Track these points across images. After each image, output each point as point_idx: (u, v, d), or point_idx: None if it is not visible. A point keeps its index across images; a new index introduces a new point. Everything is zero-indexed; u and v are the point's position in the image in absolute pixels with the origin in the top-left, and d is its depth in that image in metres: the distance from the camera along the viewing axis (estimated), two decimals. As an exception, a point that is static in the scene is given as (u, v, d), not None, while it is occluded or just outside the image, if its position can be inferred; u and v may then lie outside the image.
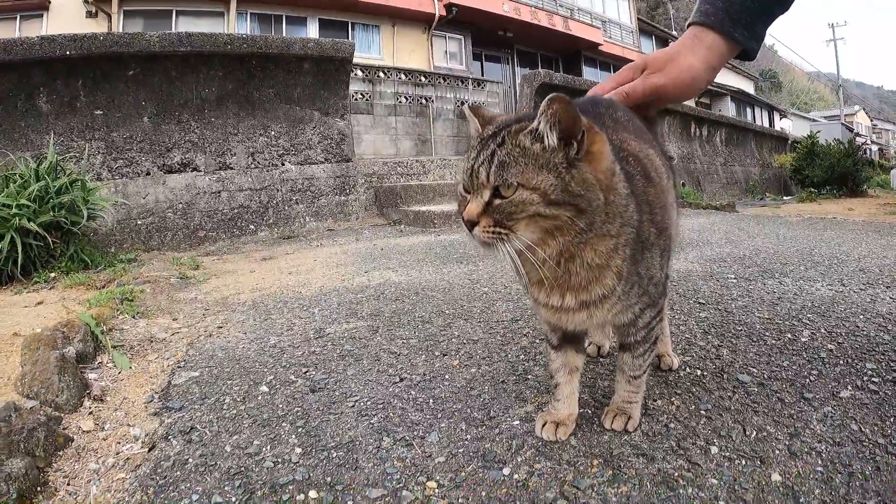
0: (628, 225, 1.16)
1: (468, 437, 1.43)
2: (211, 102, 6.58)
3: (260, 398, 1.68)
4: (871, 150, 39.39)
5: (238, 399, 1.68)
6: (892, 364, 1.78)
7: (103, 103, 5.98)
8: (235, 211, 6.48)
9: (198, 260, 4.67)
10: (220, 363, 2.01)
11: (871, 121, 71.70)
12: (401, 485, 1.22)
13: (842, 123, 38.60)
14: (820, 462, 1.25)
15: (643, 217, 1.20)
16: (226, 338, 2.34)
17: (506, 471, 1.27)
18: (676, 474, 1.23)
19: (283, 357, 2.05)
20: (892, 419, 1.42)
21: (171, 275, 3.95)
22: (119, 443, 1.45)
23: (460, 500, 1.16)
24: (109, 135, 5.99)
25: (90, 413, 1.65)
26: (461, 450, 1.36)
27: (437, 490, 1.20)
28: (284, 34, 17.41)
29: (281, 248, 5.38)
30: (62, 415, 1.59)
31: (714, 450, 1.32)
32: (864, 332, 2.11)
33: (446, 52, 21.69)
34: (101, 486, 1.26)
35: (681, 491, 1.18)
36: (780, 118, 41.09)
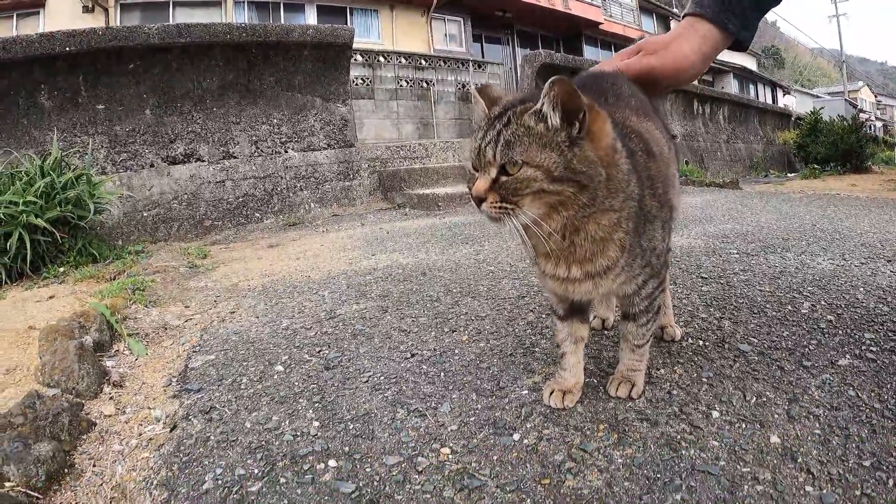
0: (630, 199, 1.20)
1: (479, 406, 1.48)
2: (212, 92, 6.59)
3: (276, 377, 1.72)
4: (875, 125, 39.20)
5: (255, 379, 1.72)
6: (890, 334, 1.82)
7: (105, 97, 6.00)
8: (240, 199, 6.51)
9: (205, 249, 4.72)
10: (234, 346, 2.06)
11: (875, 97, 71.19)
12: (416, 452, 1.27)
13: (845, 100, 38.42)
14: (818, 425, 1.30)
15: (644, 191, 1.23)
16: (238, 322, 2.38)
17: (516, 437, 1.32)
18: (679, 437, 1.28)
19: (296, 338, 2.09)
20: (889, 385, 1.47)
21: (179, 264, 3.99)
22: (141, 425, 1.50)
23: (473, 464, 1.21)
24: (112, 128, 6.02)
25: (111, 398, 1.69)
26: (472, 418, 1.41)
27: (450, 456, 1.25)
28: (283, 21, 17.35)
29: (287, 235, 5.42)
30: (83, 401, 1.63)
31: (715, 414, 1.37)
32: (864, 304, 2.15)
33: (446, 34, 21.62)
34: (127, 466, 1.30)
35: (683, 452, 1.23)
36: (784, 95, 40.93)
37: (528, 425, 1.36)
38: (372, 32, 19.95)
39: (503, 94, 1.25)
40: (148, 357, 2.03)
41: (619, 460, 1.21)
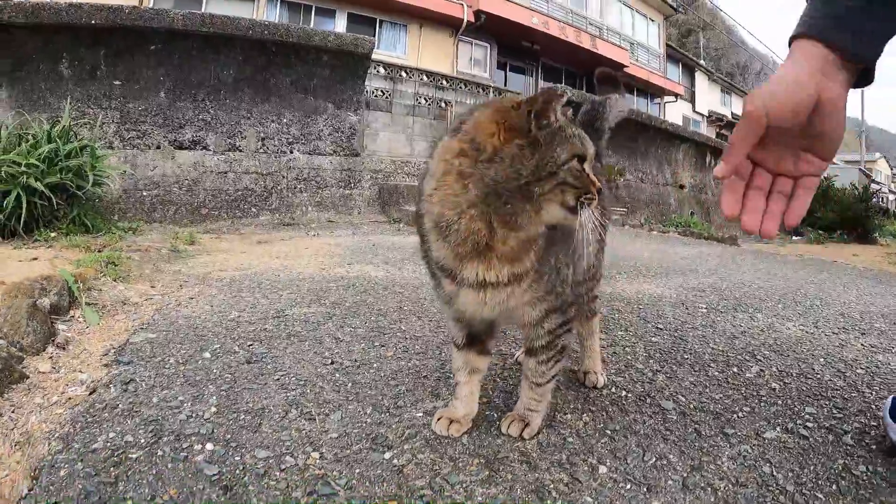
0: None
1: (369, 420, 1.50)
2: (227, 84, 6.75)
3: (200, 362, 1.83)
4: (888, 198, 39.20)
5: (181, 361, 1.83)
6: (835, 411, 1.75)
7: (123, 75, 6.17)
8: (240, 193, 6.65)
9: (196, 236, 4.83)
10: (178, 329, 2.17)
11: (892, 169, 71.19)
12: (288, 451, 1.32)
13: (860, 169, 38.40)
14: (713, 500, 1.23)
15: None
16: (192, 308, 2.49)
17: (387, 455, 1.33)
18: (552, 486, 1.24)
19: (236, 330, 2.20)
20: (811, 468, 1.38)
21: (163, 247, 4.11)
22: (67, 385, 1.61)
23: (334, 473, 1.24)
24: (125, 105, 6.18)
25: (50, 357, 1.81)
26: (356, 430, 1.44)
27: (317, 461, 1.29)
28: (313, 25, 17.57)
29: (278, 234, 5.54)
30: (24, 356, 1.75)
31: (603, 469, 1.32)
32: (818, 376, 2.08)
33: (471, 58, 21.82)
34: (40, 417, 1.41)
35: (549, 502, 1.19)
36: (801, 158, 40.90)
37: (406, 447, 1.37)
38: (398, 47, 20.16)
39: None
40: (99, 327, 2.15)
41: (479, 498, 1.19)
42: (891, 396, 1.52)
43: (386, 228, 6.47)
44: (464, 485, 1.23)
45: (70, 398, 1.53)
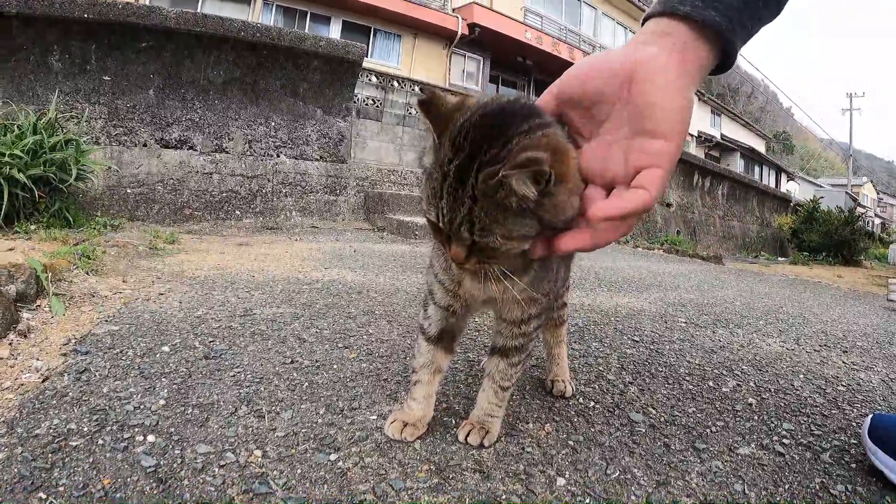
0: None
1: (320, 421, 1.47)
2: (217, 85, 6.75)
3: (158, 356, 1.82)
4: (873, 222, 39.59)
5: (139, 353, 1.82)
6: (814, 428, 1.72)
7: (112, 70, 6.16)
8: (224, 195, 6.64)
9: (176, 236, 4.83)
10: (142, 323, 2.16)
11: (878, 194, 72.16)
12: (230, 447, 1.30)
13: (847, 192, 38.78)
14: None
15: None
16: (160, 304, 2.48)
17: (333, 456, 1.29)
18: (504, 498, 1.19)
19: (200, 326, 2.19)
20: (787, 486, 1.35)
21: (141, 244, 4.10)
22: (22, 372, 1.60)
23: (274, 472, 1.22)
24: (114, 101, 6.17)
25: (10, 344, 1.80)
26: (305, 430, 1.41)
27: (259, 459, 1.26)
28: (307, 30, 17.65)
29: (261, 237, 5.54)
30: (-17, 340, 1.76)
31: (561, 482, 1.27)
32: (797, 392, 2.05)
33: (464, 70, 21.99)
34: (-11, 402, 1.41)
35: None
36: (788, 180, 41.40)
37: (354, 449, 1.33)
38: (392, 56, 20.30)
39: (452, 110, 1.05)
40: (64, 317, 2.14)
41: None
42: (870, 415, 1.51)
43: (369, 236, 6.48)
44: (410, 491, 1.19)
45: (22, 384, 1.52)
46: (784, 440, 1.60)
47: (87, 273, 2.86)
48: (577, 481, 1.28)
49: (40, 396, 1.45)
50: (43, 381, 1.57)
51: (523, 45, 22.32)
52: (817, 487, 1.35)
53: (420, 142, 13.75)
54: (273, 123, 7.13)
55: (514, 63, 23.20)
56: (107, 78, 6.14)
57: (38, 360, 1.71)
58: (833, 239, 13.67)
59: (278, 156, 7.14)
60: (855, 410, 1.93)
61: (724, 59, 1.02)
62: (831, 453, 1.54)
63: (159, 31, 6.24)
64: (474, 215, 0.99)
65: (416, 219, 7.00)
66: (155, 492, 1.11)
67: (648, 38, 1.01)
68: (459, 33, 20.80)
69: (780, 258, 15.34)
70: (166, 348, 1.90)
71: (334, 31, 19.21)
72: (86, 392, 1.50)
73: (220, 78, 6.76)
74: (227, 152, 6.78)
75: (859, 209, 21.61)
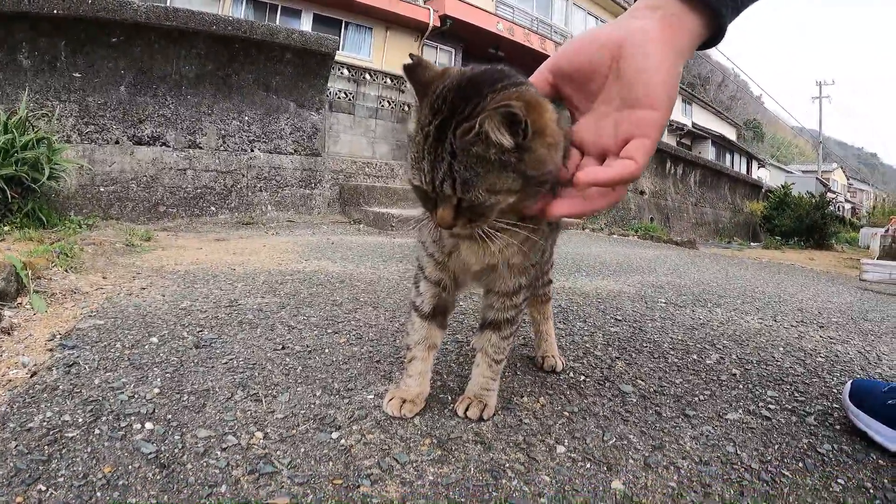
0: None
1: (317, 402, 1.49)
2: (189, 80, 6.67)
3: (146, 347, 1.81)
4: (843, 207, 40.28)
5: (127, 346, 1.81)
6: (797, 395, 1.80)
7: (83, 67, 6.05)
8: (199, 190, 6.57)
9: (152, 233, 4.79)
10: (127, 316, 2.14)
11: (848, 179, 73.32)
12: (231, 431, 1.31)
13: (817, 178, 39.42)
14: (676, 478, 1.23)
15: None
16: (143, 298, 2.46)
17: (335, 435, 1.32)
18: (508, 465, 1.23)
19: (186, 318, 2.17)
20: (776, 446, 1.41)
21: (117, 241, 4.06)
22: (9, 368, 1.58)
23: (277, 453, 1.23)
24: (85, 99, 6.07)
25: (-7, 341, 1.78)
26: (304, 411, 1.43)
27: (261, 440, 1.27)
28: (278, 23, 17.50)
29: (237, 232, 5.51)
30: (-34, 340, 1.73)
31: (560, 449, 1.32)
32: (779, 363, 2.15)
33: (436, 62, 21.67)
34: (-22, 398, 1.39)
35: (504, 482, 1.17)
36: (759, 167, 41.84)
37: (355, 427, 1.35)
38: (363, 49, 20.22)
39: (434, 77, 1.10)
40: (46, 314, 2.11)
41: (430, 477, 1.17)
42: (850, 381, 1.61)
43: (346, 228, 6.47)
44: (414, 464, 1.22)
45: (10, 380, 1.50)
46: (770, 406, 1.69)
47: (67, 270, 2.83)
48: (576, 448, 1.33)
49: (30, 391, 1.43)
50: (31, 376, 1.55)
51: (495, 37, 22.36)
52: (805, 447, 1.43)
53: (393, 134, 13.71)
54: (246, 118, 7.07)
55: (487, 54, 23.18)
56: (77, 75, 6.04)
57: (23, 356, 1.68)
58: (804, 223, 13.91)
59: (252, 150, 7.07)
60: (835, 379, 2.03)
61: (715, 33, 1.05)
62: (815, 417, 1.63)
63: (130, 26, 6.13)
64: (455, 170, 1.02)
65: (392, 210, 7.00)
66: (158, 477, 1.11)
67: (639, 12, 1.04)
68: (431, 25, 20.77)
69: (752, 243, 15.53)
70: (155, 339, 1.89)
71: (305, 24, 19.08)
72: (77, 385, 1.49)
73: (192, 72, 6.67)
74: (200, 148, 6.70)
75: (830, 194, 21.95)
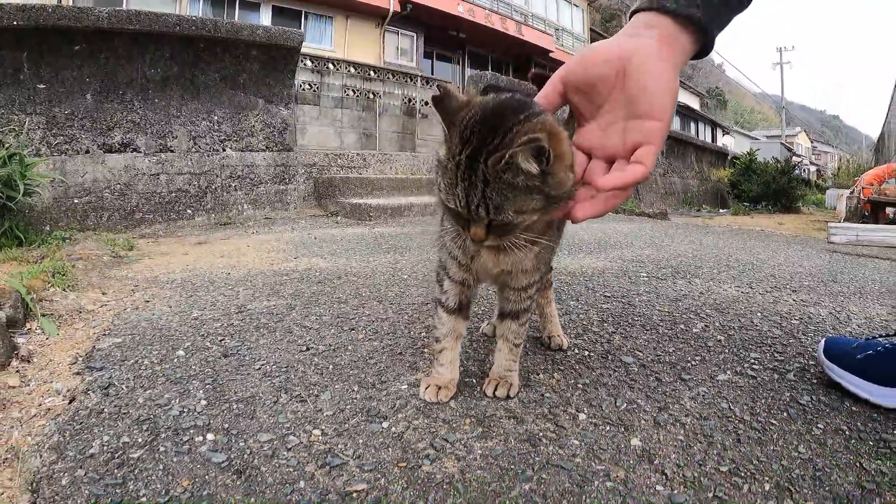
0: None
1: (358, 396, 1.59)
2: (156, 83, 6.58)
3: (175, 360, 1.83)
4: (809, 170, 40.87)
5: (155, 361, 1.83)
6: (776, 354, 2.01)
7: (47, 77, 5.95)
8: (174, 194, 6.51)
9: (132, 241, 4.75)
10: (143, 332, 2.15)
11: (812, 143, 74.52)
12: (289, 431, 1.37)
13: (781, 143, 39.86)
14: (682, 432, 1.41)
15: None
16: (151, 311, 2.47)
17: (385, 424, 1.43)
18: (541, 434, 1.39)
19: (202, 328, 2.20)
20: (763, 400, 1.61)
21: (104, 253, 4.02)
22: (42, 396, 1.58)
23: (339, 446, 1.32)
24: (51, 110, 5.97)
25: (17, 371, 1.76)
26: (349, 406, 1.53)
27: (320, 437, 1.35)
28: (237, 19, 17.29)
29: (217, 234, 5.47)
30: (-10, 372, 1.72)
31: (582, 416, 1.49)
32: (758, 328, 2.35)
33: (398, 48, 21.86)
34: (23, 431, 1.38)
35: (542, 448, 1.32)
36: (723, 134, 42.26)
37: (400, 415, 1.47)
38: (325, 39, 20.05)
39: (460, 107, 1.21)
40: (59, 337, 2.11)
41: (478, 451, 1.30)
42: (823, 339, 1.82)
43: (324, 222, 6.47)
44: (462, 442, 1.35)
45: (49, 409, 1.51)
46: (754, 366, 1.90)
47: (65, 290, 2.80)
48: (595, 414, 1.51)
49: (76, 417, 1.45)
50: (70, 402, 1.56)
51: (456, 19, 22.29)
52: (788, 399, 1.64)
53: (359, 123, 13.68)
54: (216, 117, 7.00)
55: (448, 37, 23.16)
56: (42, 86, 5.94)
57: (54, 382, 1.69)
58: (771, 188, 14.12)
59: (224, 150, 7.01)
60: (809, 339, 2.25)
61: (704, 46, 1.22)
62: (794, 373, 1.84)
63: (92, 33, 6.03)
64: (487, 196, 1.15)
65: (368, 200, 7.01)
66: (238, 482, 1.17)
67: (639, 30, 1.19)
68: (392, 10, 20.64)
69: (721, 210, 15.71)
70: (181, 352, 1.92)
71: (265, 18, 18.86)
72: (121, 406, 1.51)
73: (158, 75, 6.59)
74: (172, 151, 6.63)
75: (795, 158, 22.32)
